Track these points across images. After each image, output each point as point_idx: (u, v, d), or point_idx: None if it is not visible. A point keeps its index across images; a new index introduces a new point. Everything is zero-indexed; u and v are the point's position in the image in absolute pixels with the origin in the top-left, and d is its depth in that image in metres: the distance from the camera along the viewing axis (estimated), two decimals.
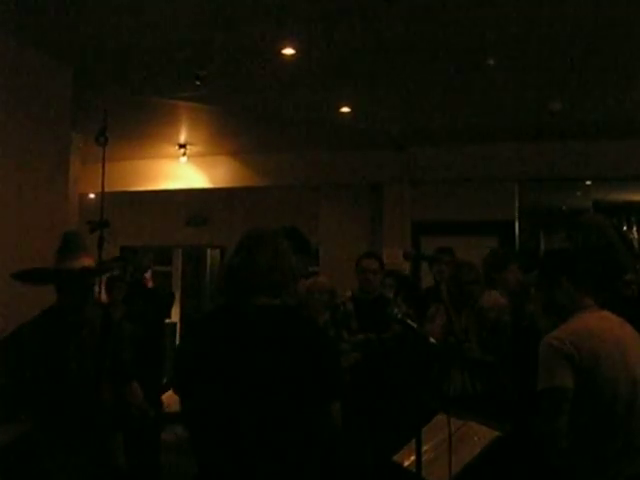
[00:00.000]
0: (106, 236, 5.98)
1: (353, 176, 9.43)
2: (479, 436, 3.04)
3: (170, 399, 5.17)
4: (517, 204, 9.23)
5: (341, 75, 6.29)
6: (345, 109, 7.31)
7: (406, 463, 2.99)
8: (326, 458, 2.57)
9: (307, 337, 2.53)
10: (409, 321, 2.88)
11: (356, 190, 9.74)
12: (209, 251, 12.38)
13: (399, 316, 2.97)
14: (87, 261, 3.37)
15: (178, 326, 11.71)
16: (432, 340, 2.84)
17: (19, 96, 5.39)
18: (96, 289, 4.94)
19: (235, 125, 8.19)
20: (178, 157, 9.22)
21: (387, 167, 9.29)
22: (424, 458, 2.83)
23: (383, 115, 7.64)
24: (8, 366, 3.39)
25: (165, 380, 7.80)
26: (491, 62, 5.79)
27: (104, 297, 6.14)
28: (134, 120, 7.72)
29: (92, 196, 9.40)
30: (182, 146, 9.00)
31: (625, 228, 10.71)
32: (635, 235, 11.07)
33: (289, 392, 2.41)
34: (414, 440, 2.74)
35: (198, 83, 6.13)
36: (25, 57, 5.46)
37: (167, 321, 10.97)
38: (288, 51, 5.62)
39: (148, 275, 8.20)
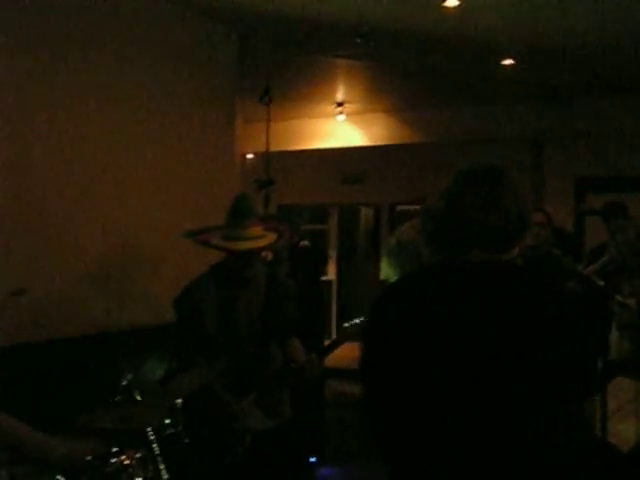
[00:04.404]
0: (270, 194, 6.16)
1: (513, 130, 9.10)
2: None
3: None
4: None
5: (504, 27, 6.06)
6: (508, 61, 7.06)
7: None
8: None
9: (566, 315, 1.82)
10: (594, 278, 2.76)
11: (516, 145, 9.41)
12: (363, 210, 12.45)
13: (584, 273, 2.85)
14: (256, 231, 3.48)
15: (335, 284, 11.91)
16: (619, 298, 2.70)
17: (189, 63, 5.57)
18: None
19: (393, 81, 8.08)
20: (335, 115, 9.27)
21: (549, 120, 8.86)
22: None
23: (547, 66, 7.31)
24: (186, 322, 3.58)
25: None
26: None
27: (269, 255, 6.30)
28: (294, 80, 7.79)
29: (250, 156, 9.64)
30: (340, 104, 9.00)
31: None
32: None
33: (541, 387, 1.76)
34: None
35: (359, 40, 6.09)
36: (194, 25, 5.66)
37: (323, 278, 11.28)
38: (451, 2, 5.45)
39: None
